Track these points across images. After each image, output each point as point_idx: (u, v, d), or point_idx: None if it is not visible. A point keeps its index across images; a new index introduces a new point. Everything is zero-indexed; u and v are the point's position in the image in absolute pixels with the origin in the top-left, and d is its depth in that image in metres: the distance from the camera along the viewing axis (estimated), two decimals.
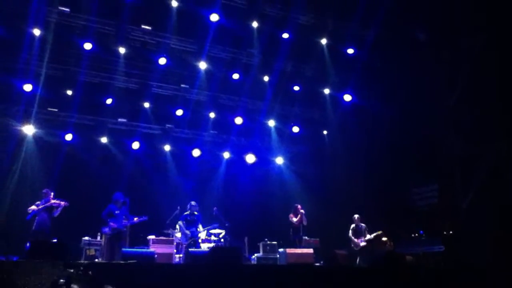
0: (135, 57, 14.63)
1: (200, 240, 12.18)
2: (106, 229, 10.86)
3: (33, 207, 10.75)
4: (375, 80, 14.83)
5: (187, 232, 11.90)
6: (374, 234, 12.73)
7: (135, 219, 11.19)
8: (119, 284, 7.46)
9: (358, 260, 12.46)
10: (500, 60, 11.72)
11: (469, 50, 12.53)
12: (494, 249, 10.65)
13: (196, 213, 12.21)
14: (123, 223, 10.98)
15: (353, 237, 12.79)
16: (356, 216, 12.94)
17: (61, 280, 6.79)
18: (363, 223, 12.93)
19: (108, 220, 10.85)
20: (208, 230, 12.61)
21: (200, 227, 12.26)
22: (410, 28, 13.54)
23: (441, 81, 13.24)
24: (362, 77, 15.33)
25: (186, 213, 12.20)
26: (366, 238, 12.72)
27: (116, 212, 10.95)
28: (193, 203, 12.28)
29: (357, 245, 12.67)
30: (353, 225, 12.91)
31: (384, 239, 12.52)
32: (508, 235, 10.62)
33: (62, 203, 10.91)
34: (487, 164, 12.26)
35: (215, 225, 12.81)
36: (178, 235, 12.17)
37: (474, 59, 12.41)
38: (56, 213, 10.88)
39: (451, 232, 12.34)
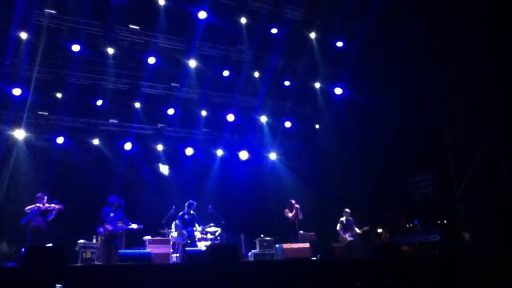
0: (124, 57, 14.52)
1: (196, 239, 12.16)
2: (101, 230, 10.81)
3: (38, 204, 10.64)
4: (367, 73, 14.86)
5: (184, 232, 11.88)
6: (363, 229, 12.77)
7: (134, 226, 11.11)
8: (117, 286, 7.45)
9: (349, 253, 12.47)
10: (491, 50, 11.80)
11: (460, 40, 12.59)
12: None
13: (192, 212, 12.19)
14: (119, 226, 10.94)
15: (341, 232, 12.81)
16: (347, 210, 12.96)
17: (58, 285, 6.77)
18: (352, 216, 12.96)
19: (104, 222, 10.81)
20: (204, 229, 12.59)
21: (197, 226, 12.24)
22: (402, 20, 13.57)
23: (432, 72, 13.29)
24: (353, 70, 15.36)
25: (183, 212, 12.17)
26: (355, 233, 12.74)
27: (111, 214, 10.90)
28: (190, 202, 12.26)
29: (344, 239, 12.69)
30: (342, 219, 12.89)
31: (379, 230, 12.59)
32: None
33: (57, 206, 10.84)
34: (481, 150, 12.34)
35: (212, 224, 12.80)
36: (174, 234, 12.15)
37: (464, 49, 12.47)
38: (50, 217, 10.78)
39: (445, 221, 12.44)
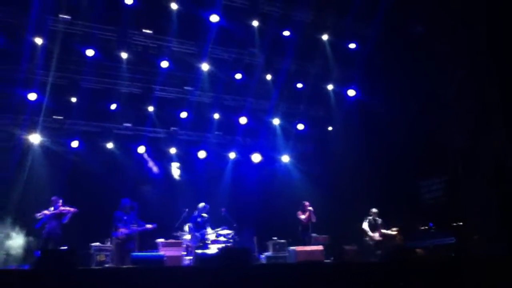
0: (137, 61, 14.64)
1: (209, 242, 12.18)
2: (117, 234, 10.94)
3: (45, 211, 10.83)
4: (379, 75, 14.78)
5: (197, 234, 11.92)
6: (391, 229, 12.59)
7: (148, 225, 11.21)
8: None
9: (377, 253, 12.30)
10: (497, 51, 11.68)
11: (467, 42, 12.48)
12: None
13: (205, 215, 12.24)
14: (133, 228, 11.03)
15: (368, 230, 12.65)
16: (374, 209, 12.78)
17: None
18: (379, 217, 12.77)
19: (118, 226, 10.93)
20: (217, 232, 12.60)
21: (210, 229, 12.27)
22: (410, 23, 13.50)
23: (442, 75, 13.19)
24: (365, 73, 15.29)
25: (195, 215, 12.22)
26: (384, 233, 12.54)
27: (124, 218, 11.03)
28: (202, 204, 12.31)
29: (372, 238, 12.51)
30: (370, 218, 12.71)
31: (393, 233, 12.46)
32: None
33: (71, 209, 10.99)
34: (490, 153, 12.20)
35: (224, 227, 12.80)
36: (187, 237, 12.19)
37: (472, 51, 12.35)
38: (65, 220, 10.94)
39: (460, 223, 12.29)
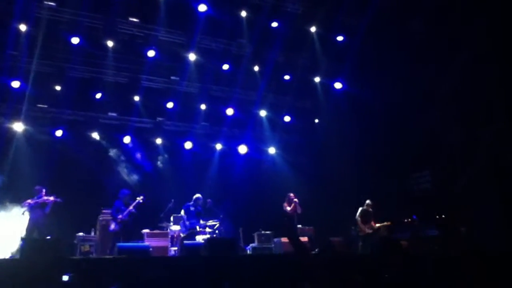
0: (123, 50, 14.46)
1: (198, 230, 12.16)
2: (112, 228, 11.00)
3: (29, 201, 10.76)
4: (368, 68, 14.78)
5: (187, 222, 11.91)
6: (382, 224, 12.58)
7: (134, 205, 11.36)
8: (116, 278, 7.48)
9: (360, 245, 12.36)
10: (495, 44, 11.75)
11: (463, 34, 12.52)
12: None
13: (199, 207, 12.23)
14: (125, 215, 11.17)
15: (360, 221, 12.53)
16: (368, 201, 12.71)
17: (65, 276, 6.81)
18: (372, 209, 12.68)
19: (116, 216, 11.14)
20: (204, 224, 12.54)
21: (201, 221, 12.27)
22: (404, 15, 13.49)
23: (434, 67, 13.23)
24: (354, 65, 15.30)
25: (190, 203, 12.16)
26: (374, 226, 12.52)
27: (122, 208, 11.23)
28: (198, 196, 12.25)
29: (363, 230, 12.53)
30: (362, 209, 12.61)
31: (378, 225, 12.53)
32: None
33: (51, 198, 10.91)
34: (485, 147, 12.29)
35: (217, 218, 12.73)
36: (173, 228, 12.17)
37: (469, 44, 12.40)
38: (47, 210, 10.86)
39: (443, 216, 12.42)
